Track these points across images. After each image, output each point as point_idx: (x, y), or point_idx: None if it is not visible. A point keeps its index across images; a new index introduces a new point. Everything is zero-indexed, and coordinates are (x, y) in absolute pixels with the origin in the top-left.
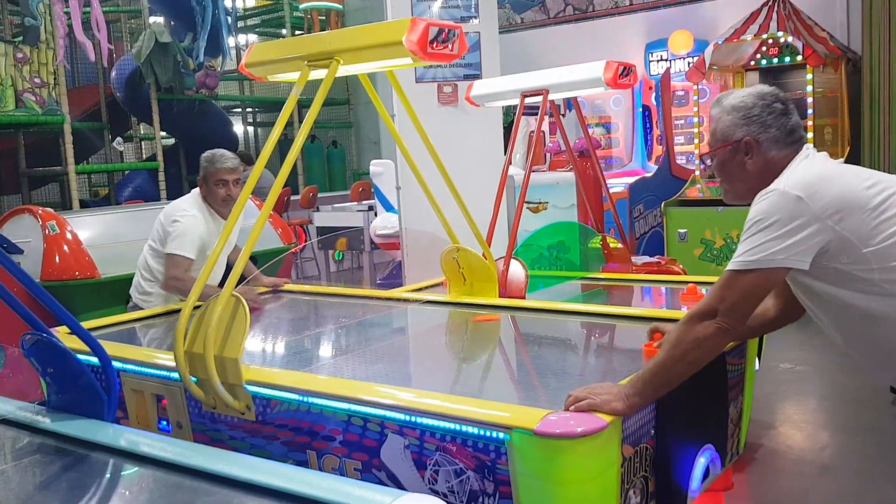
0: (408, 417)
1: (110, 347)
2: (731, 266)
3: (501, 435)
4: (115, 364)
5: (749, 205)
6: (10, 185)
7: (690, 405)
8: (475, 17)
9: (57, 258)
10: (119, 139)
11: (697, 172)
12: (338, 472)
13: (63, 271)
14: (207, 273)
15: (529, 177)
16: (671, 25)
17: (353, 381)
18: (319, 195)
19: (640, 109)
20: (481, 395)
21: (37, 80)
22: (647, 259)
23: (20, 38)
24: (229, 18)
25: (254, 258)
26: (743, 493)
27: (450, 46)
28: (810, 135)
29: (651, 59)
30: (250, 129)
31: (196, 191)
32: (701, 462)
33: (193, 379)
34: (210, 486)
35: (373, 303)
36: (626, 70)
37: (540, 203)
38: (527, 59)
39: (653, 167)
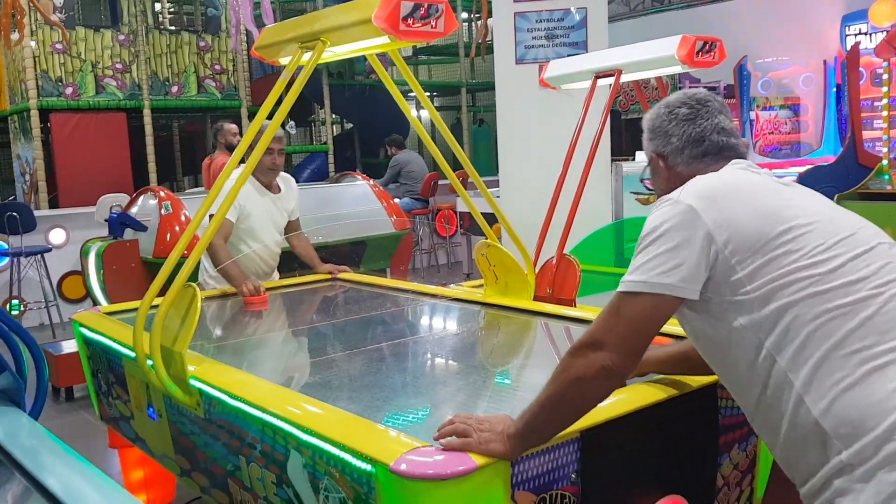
0: (302, 434)
1: (117, 331)
2: (619, 287)
3: (369, 467)
4: (119, 349)
5: None
6: (200, 166)
7: (645, 445)
8: None
9: (168, 236)
10: (291, 122)
11: (885, 162)
12: (260, 483)
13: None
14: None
15: (568, 169)
16: None
17: (270, 385)
18: (483, 179)
19: (834, 89)
20: (422, 413)
21: (217, 68)
22: None
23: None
24: None
25: (363, 243)
26: None
27: (432, 23)
28: None
29: (848, 32)
30: (424, 113)
31: None
32: None
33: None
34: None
35: (411, 297)
36: (709, 46)
37: (651, 194)
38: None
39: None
